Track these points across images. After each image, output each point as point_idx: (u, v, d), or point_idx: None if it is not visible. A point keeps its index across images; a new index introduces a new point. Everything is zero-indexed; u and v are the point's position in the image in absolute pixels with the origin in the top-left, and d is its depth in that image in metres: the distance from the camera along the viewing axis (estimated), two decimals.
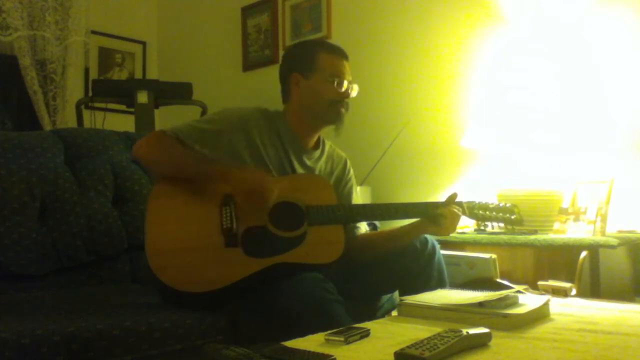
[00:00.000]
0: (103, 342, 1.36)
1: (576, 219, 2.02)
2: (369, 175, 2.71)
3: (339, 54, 1.84)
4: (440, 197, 2.00)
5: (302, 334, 1.21)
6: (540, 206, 2.11)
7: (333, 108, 1.81)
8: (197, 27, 4.05)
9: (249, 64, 3.68)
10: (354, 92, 1.85)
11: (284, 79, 1.87)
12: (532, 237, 1.98)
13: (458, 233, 2.18)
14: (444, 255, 1.83)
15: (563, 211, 2.07)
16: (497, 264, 1.84)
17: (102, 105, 3.40)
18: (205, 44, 4.00)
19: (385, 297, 1.92)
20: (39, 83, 3.59)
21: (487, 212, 1.83)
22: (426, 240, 1.78)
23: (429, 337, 1.07)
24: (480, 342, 1.12)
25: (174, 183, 1.67)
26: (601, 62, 2.26)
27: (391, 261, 1.79)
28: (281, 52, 3.44)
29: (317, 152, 1.90)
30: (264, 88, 3.49)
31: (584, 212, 2.01)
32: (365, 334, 1.20)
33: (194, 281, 1.58)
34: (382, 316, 1.79)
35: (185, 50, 4.15)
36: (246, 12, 3.69)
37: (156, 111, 3.26)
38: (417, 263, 1.75)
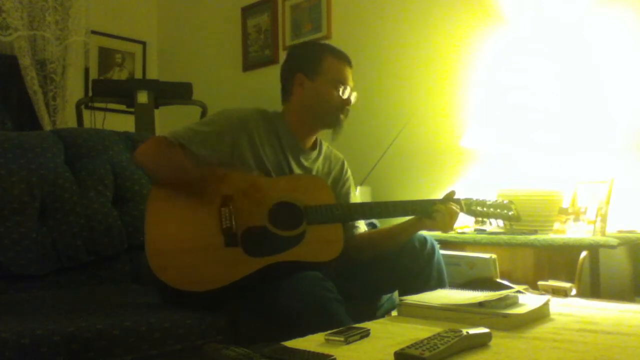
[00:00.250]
0: (103, 342, 1.37)
1: (576, 219, 2.02)
2: (369, 175, 2.71)
3: (345, 60, 1.86)
4: (440, 197, 1.99)
5: (302, 333, 1.21)
6: (540, 206, 2.11)
7: (334, 113, 1.83)
8: (197, 27, 4.05)
9: (249, 64, 3.68)
10: (354, 99, 1.86)
11: (287, 78, 1.87)
12: (532, 237, 1.97)
13: (458, 233, 2.18)
14: (444, 255, 1.83)
15: (563, 211, 2.07)
16: (497, 264, 1.84)
17: (102, 105, 3.40)
18: (205, 44, 4.00)
19: (385, 297, 1.92)
20: (39, 83, 3.59)
21: (485, 209, 1.84)
22: (425, 240, 1.78)
23: (429, 337, 1.07)
24: (480, 342, 1.12)
25: (173, 184, 1.67)
26: (601, 62, 2.26)
27: (390, 261, 1.79)
28: (281, 52, 3.45)
29: (315, 153, 1.91)
30: (264, 88, 3.49)
31: (584, 212, 2.01)
32: (365, 334, 1.20)
33: (194, 281, 1.58)
34: (382, 316, 1.79)
35: (185, 50, 4.15)
36: (246, 12, 3.69)
37: (156, 111, 3.27)
38: (417, 263, 1.75)
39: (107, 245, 2.10)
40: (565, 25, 2.33)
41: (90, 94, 3.42)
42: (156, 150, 1.70)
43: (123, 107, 3.38)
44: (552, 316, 1.41)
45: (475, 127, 2.37)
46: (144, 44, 4.23)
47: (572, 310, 1.50)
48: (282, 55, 3.42)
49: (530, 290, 1.72)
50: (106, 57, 4.04)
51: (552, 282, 1.75)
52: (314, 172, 1.89)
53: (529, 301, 1.42)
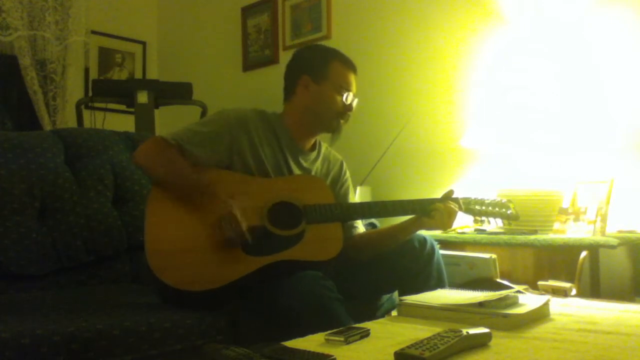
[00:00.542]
0: (103, 342, 1.37)
1: (576, 219, 2.02)
2: (369, 175, 2.71)
3: (352, 67, 1.88)
4: (440, 197, 2.00)
5: (303, 333, 1.21)
6: (540, 206, 2.11)
7: (335, 118, 1.85)
8: (197, 27, 4.05)
9: (249, 64, 3.68)
10: (355, 106, 1.88)
11: (292, 78, 1.88)
12: (532, 237, 1.97)
13: (458, 233, 2.18)
14: (444, 255, 1.83)
15: (563, 211, 2.07)
16: (497, 264, 1.84)
17: (102, 105, 3.40)
18: (205, 44, 4.00)
19: (385, 297, 1.92)
20: (39, 83, 3.59)
21: (483, 207, 1.85)
22: (425, 240, 1.79)
23: (429, 337, 1.07)
24: (480, 342, 1.12)
25: (172, 187, 1.68)
26: (601, 62, 2.26)
27: (390, 261, 1.79)
28: (281, 52, 3.45)
29: (314, 154, 1.92)
30: (264, 88, 3.50)
31: (584, 212, 2.01)
32: (365, 334, 1.20)
33: (194, 280, 1.58)
34: (382, 316, 1.79)
35: (185, 50, 4.15)
36: (246, 12, 3.69)
37: (156, 111, 3.26)
38: (417, 263, 1.75)
39: (107, 245, 2.10)
40: (565, 25, 2.33)
41: (90, 94, 3.42)
42: (154, 151, 1.70)
43: (123, 107, 3.38)
44: (552, 316, 1.41)
45: (475, 127, 2.37)
46: (144, 44, 4.23)
47: (572, 310, 1.50)
48: (282, 55, 3.43)
49: (530, 290, 1.72)
50: (106, 57, 4.04)
51: (552, 282, 1.75)
52: (312, 173, 1.90)
53: (529, 301, 1.42)
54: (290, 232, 1.69)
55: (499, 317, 1.28)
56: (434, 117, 2.74)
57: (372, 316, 1.79)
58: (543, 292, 1.70)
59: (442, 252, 1.83)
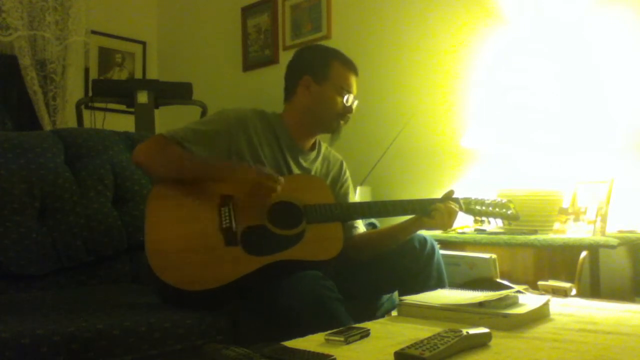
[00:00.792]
0: (103, 342, 1.36)
1: (576, 219, 2.02)
2: (369, 175, 2.71)
3: (353, 68, 1.88)
4: (440, 197, 2.00)
5: (303, 332, 1.21)
6: (540, 206, 2.11)
7: (335, 119, 1.85)
8: (197, 27, 4.05)
9: (249, 64, 3.68)
10: (355, 107, 1.89)
11: (293, 78, 1.88)
12: (532, 237, 1.97)
13: (458, 233, 2.18)
14: (444, 255, 1.83)
15: (563, 211, 2.07)
16: (497, 264, 1.84)
17: (102, 105, 3.40)
18: (205, 44, 4.00)
19: (385, 297, 1.92)
20: (39, 83, 3.59)
21: (484, 208, 1.85)
22: (425, 240, 1.79)
23: (429, 337, 1.07)
24: (480, 342, 1.12)
25: (173, 184, 1.68)
26: (601, 62, 2.26)
27: (390, 261, 1.79)
28: (281, 52, 3.45)
29: (314, 154, 1.92)
30: (264, 88, 3.50)
31: (584, 212, 2.01)
32: (365, 334, 1.20)
33: (195, 280, 1.58)
34: (382, 316, 1.79)
35: (185, 50, 4.15)
36: (246, 12, 3.70)
37: (156, 111, 3.26)
38: (417, 263, 1.75)
39: (107, 245, 2.10)
40: (565, 25, 2.33)
41: (90, 94, 3.42)
42: (155, 149, 1.70)
43: (123, 107, 3.38)
44: (552, 316, 1.41)
45: (475, 127, 2.37)
46: (144, 44, 4.23)
47: (572, 310, 1.50)
48: (282, 55, 3.43)
49: (530, 290, 1.72)
50: (106, 57, 4.04)
51: (552, 282, 1.75)
52: (312, 173, 1.90)
53: (529, 301, 1.42)
54: (290, 232, 1.69)
55: (499, 317, 1.28)
56: (434, 117, 2.74)
57: (372, 316, 1.79)
58: (543, 292, 1.70)
59: (442, 252, 1.83)
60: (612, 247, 1.85)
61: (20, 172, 2.00)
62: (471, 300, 1.36)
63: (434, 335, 1.08)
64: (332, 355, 1.00)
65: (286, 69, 1.92)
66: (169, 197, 1.66)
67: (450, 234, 2.17)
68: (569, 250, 1.90)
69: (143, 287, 1.98)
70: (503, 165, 2.40)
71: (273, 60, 3.50)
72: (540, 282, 1.77)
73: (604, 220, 1.98)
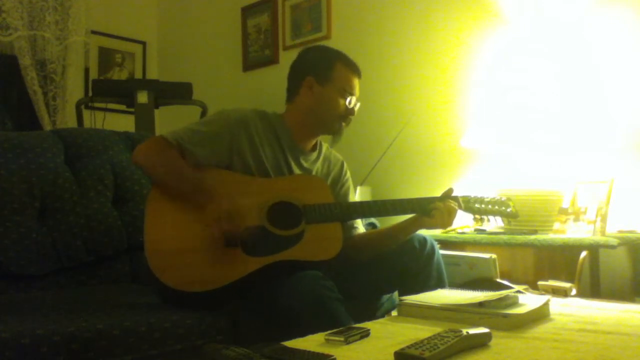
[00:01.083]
0: (103, 342, 1.37)
1: (576, 219, 2.02)
2: (369, 175, 2.71)
3: (356, 70, 1.88)
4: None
5: (303, 332, 1.21)
6: (540, 206, 2.11)
7: (337, 121, 1.85)
8: (197, 27, 4.05)
9: (249, 64, 3.68)
10: (357, 109, 1.88)
11: (296, 79, 1.87)
12: (532, 237, 1.97)
13: (458, 233, 2.18)
14: (444, 255, 1.83)
15: (563, 211, 2.07)
16: (497, 264, 1.84)
17: (102, 105, 3.40)
18: (205, 44, 4.00)
19: (385, 297, 1.92)
20: (39, 83, 3.59)
21: (483, 206, 1.85)
22: (425, 240, 1.79)
23: (429, 337, 1.07)
24: (480, 342, 1.12)
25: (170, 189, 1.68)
26: (601, 62, 2.26)
27: (390, 261, 1.79)
28: (281, 52, 3.45)
29: (314, 154, 1.92)
30: (264, 88, 3.50)
31: (584, 212, 2.01)
32: (365, 334, 1.20)
33: (194, 281, 1.58)
34: (382, 316, 1.79)
35: (185, 50, 4.14)
36: (246, 12, 3.69)
37: (156, 111, 3.26)
38: (417, 263, 1.75)
39: (107, 245, 2.10)
40: (565, 25, 2.33)
41: (90, 94, 3.42)
42: (154, 151, 1.70)
43: (123, 107, 3.38)
44: (552, 316, 1.41)
45: (475, 127, 2.37)
46: (144, 44, 4.23)
47: (572, 310, 1.50)
48: (282, 55, 3.43)
49: (530, 290, 1.72)
50: (106, 57, 4.04)
51: (552, 282, 1.75)
52: (313, 173, 1.89)
53: (529, 301, 1.42)
54: (289, 232, 1.68)
55: (499, 317, 1.28)
56: (434, 117, 2.74)
57: (372, 316, 1.79)
58: (543, 292, 1.70)
59: (442, 252, 1.82)
60: (612, 247, 1.85)
61: (20, 172, 2.00)
62: (471, 300, 1.36)
63: (434, 335, 1.08)
64: (332, 355, 1.00)
65: (289, 69, 1.91)
66: (168, 198, 1.66)
67: (450, 234, 2.17)
68: (569, 250, 1.90)
69: (143, 287, 1.98)
70: (503, 165, 2.40)
71: (273, 60, 3.50)
72: (540, 282, 1.77)
73: (604, 220, 1.98)
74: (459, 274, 1.88)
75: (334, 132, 1.88)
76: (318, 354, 1.01)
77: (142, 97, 3.13)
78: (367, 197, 2.66)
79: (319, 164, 1.93)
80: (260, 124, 1.81)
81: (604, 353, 1.08)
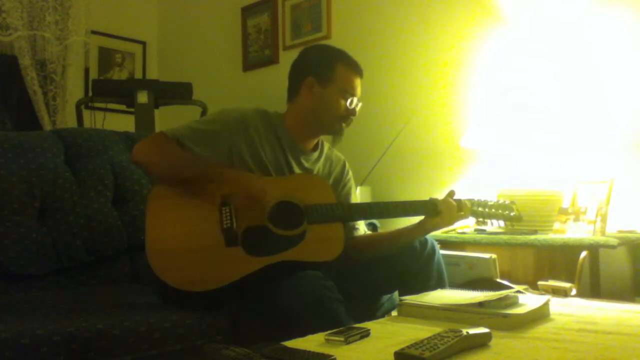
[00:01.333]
0: (103, 342, 1.37)
1: (576, 219, 2.02)
2: (369, 175, 2.71)
3: (357, 70, 1.86)
4: (440, 197, 2.00)
5: (302, 332, 1.21)
6: (540, 206, 2.11)
7: (337, 122, 1.84)
8: (197, 27, 4.05)
9: (249, 64, 3.68)
10: (358, 110, 1.87)
11: (297, 79, 1.86)
12: (532, 237, 1.97)
13: (458, 233, 2.18)
14: (444, 255, 1.83)
15: (563, 211, 2.07)
16: (497, 264, 1.84)
17: (102, 105, 3.40)
18: (205, 44, 4.00)
19: (385, 297, 1.92)
20: (39, 83, 3.59)
21: (487, 210, 1.84)
22: (425, 240, 1.78)
23: (429, 337, 1.07)
24: (480, 342, 1.12)
25: (173, 183, 1.67)
26: (601, 62, 2.26)
27: (390, 261, 1.79)
28: (281, 52, 3.45)
29: (316, 154, 1.91)
30: (264, 88, 3.50)
31: (584, 212, 2.01)
32: (365, 334, 1.20)
33: (195, 281, 1.58)
34: (382, 316, 1.79)
35: (185, 50, 4.15)
36: (246, 12, 3.69)
37: (156, 111, 3.26)
38: (417, 263, 1.75)
39: (107, 245, 2.10)
40: (565, 25, 2.33)
41: (90, 94, 3.42)
42: (155, 146, 1.69)
43: (123, 107, 3.38)
44: (552, 316, 1.41)
45: (475, 127, 2.37)
46: (144, 44, 4.22)
47: (572, 310, 1.50)
48: (282, 55, 3.43)
49: (530, 290, 1.72)
50: (106, 57, 4.04)
51: (552, 282, 1.75)
52: (314, 173, 1.89)
53: (529, 301, 1.42)
54: (291, 233, 1.68)
55: (499, 317, 1.28)
56: (434, 117, 2.74)
57: (372, 316, 1.78)
58: (543, 292, 1.70)
59: (442, 252, 1.82)
60: (612, 247, 1.85)
61: (20, 172, 2.00)
62: (471, 300, 1.36)
63: (434, 335, 1.08)
64: (332, 355, 1.00)
65: (290, 68, 1.90)
66: (169, 197, 1.66)
67: (450, 234, 2.17)
68: (569, 250, 1.90)
69: (143, 287, 1.98)
70: (503, 165, 2.40)
71: (273, 60, 3.50)
72: (540, 282, 1.77)
73: (604, 220, 1.98)
74: (459, 274, 1.88)
75: (335, 132, 1.87)
76: (318, 354, 1.01)
77: (142, 97, 3.13)
78: (367, 197, 2.66)
79: (320, 163, 1.92)
80: (260, 124, 1.81)
81: (604, 353, 1.08)
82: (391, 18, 2.94)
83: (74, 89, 3.69)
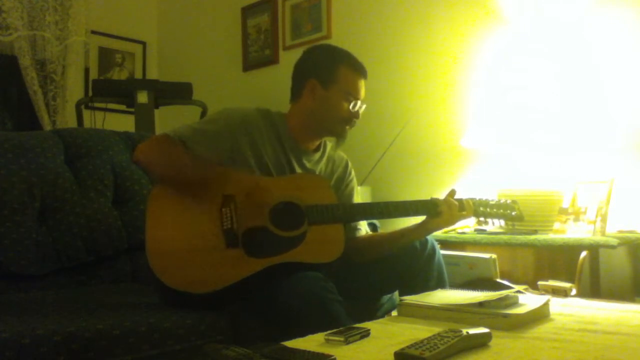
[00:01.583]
0: (103, 342, 1.36)
1: (576, 219, 2.02)
2: (369, 175, 2.71)
3: (361, 72, 1.83)
4: (440, 197, 2.00)
5: (303, 333, 1.21)
6: (540, 206, 2.11)
7: (340, 124, 1.82)
8: (197, 27, 4.05)
9: (249, 64, 3.68)
10: (362, 112, 1.85)
11: (299, 79, 1.84)
12: (532, 237, 1.98)
13: (458, 233, 2.18)
14: (444, 255, 1.83)
15: (563, 211, 2.07)
16: (497, 264, 1.84)
17: (102, 105, 3.40)
18: (205, 44, 4.00)
19: (385, 297, 1.92)
20: (39, 83, 3.59)
21: (488, 209, 1.84)
22: (426, 240, 1.78)
23: (429, 337, 1.07)
24: (480, 342, 1.12)
25: (173, 184, 1.67)
26: (601, 62, 2.26)
27: (391, 261, 1.79)
28: (281, 52, 3.45)
29: (318, 154, 1.90)
30: (264, 88, 3.50)
31: (584, 212, 2.01)
32: (365, 334, 1.20)
33: (195, 282, 1.57)
34: (382, 316, 1.79)
35: (185, 50, 4.15)
36: (246, 12, 3.70)
37: (156, 111, 3.26)
38: (417, 263, 1.75)
39: (107, 245, 2.10)
40: (565, 25, 2.33)
41: (90, 94, 3.42)
42: (157, 147, 1.69)
43: (123, 107, 3.38)
44: (552, 316, 1.41)
45: (475, 127, 2.37)
46: (144, 44, 4.23)
47: (572, 310, 1.50)
48: (282, 55, 3.43)
49: (530, 290, 1.72)
50: (106, 57, 4.04)
51: (552, 282, 1.75)
52: (317, 173, 1.88)
53: (529, 301, 1.42)
54: (292, 234, 1.67)
55: (499, 317, 1.28)
56: (434, 117, 2.74)
57: (372, 316, 1.78)
58: (543, 292, 1.70)
59: (442, 252, 1.82)
60: (612, 247, 1.86)
61: (20, 172, 2.00)
62: (471, 300, 1.36)
63: (434, 335, 1.08)
64: (332, 355, 1.00)
65: (293, 68, 1.88)
66: (169, 197, 1.65)
67: (450, 234, 2.17)
68: (569, 250, 1.90)
69: (143, 287, 1.98)
70: (503, 165, 2.40)
71: (273, 60, 3.50)
72: (540, 282, 1.77)
73: (604, 220, 1.98)
74: (459, 274, 1.88)
75: (337, 135, 1.85)
76: (318, 354, 1.01)
77: (142, 97, 3.13)
78: (367, 197, 2.66)
79: (322, 164, 1.91)
80: (262, 124, 1.80)
81: (604, 353, 1.08)
82: (391, 18, 2.94)
83: (74, 89, 3.70)
